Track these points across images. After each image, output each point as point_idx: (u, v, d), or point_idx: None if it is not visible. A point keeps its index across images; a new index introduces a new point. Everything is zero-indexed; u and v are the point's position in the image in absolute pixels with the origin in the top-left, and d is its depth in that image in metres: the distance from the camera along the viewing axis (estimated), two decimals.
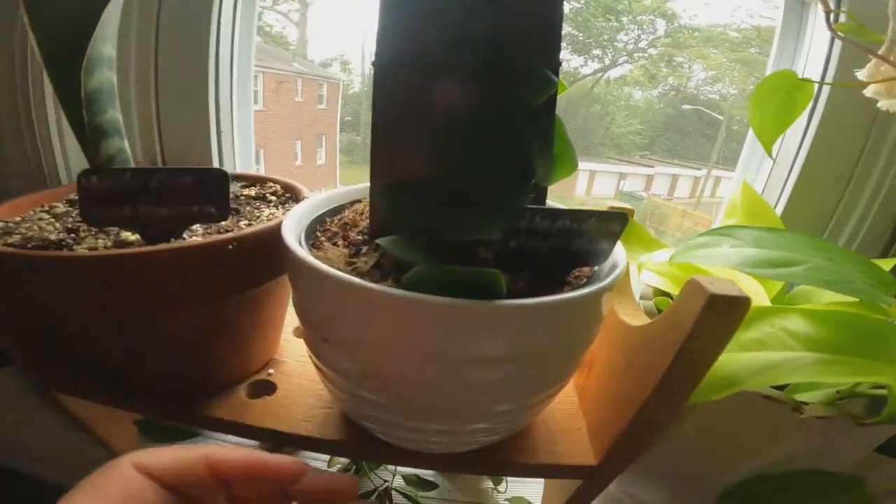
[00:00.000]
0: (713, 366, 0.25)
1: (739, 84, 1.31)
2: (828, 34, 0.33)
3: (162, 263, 0.25)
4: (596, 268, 0.27)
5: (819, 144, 0.41)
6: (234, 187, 0.40)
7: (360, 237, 0.29)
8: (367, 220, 0.30)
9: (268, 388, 0.36)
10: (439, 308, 0.20)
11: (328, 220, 0.31)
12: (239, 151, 0.49)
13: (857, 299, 0.27)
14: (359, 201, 0.33)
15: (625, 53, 1.34)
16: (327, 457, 0.48)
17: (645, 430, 0.28)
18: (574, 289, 0.24)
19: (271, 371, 0.37)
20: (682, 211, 1.48)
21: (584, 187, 1.77)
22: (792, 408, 0.27)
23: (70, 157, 0.40)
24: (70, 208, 0.34)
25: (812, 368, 0.24)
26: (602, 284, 0.23)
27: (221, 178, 0.28)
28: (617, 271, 0.25)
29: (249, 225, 0.32)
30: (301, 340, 0.42)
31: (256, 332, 0.35)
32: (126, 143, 0.29)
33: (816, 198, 0.43)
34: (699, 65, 1.41)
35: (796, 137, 0.43)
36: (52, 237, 0.28)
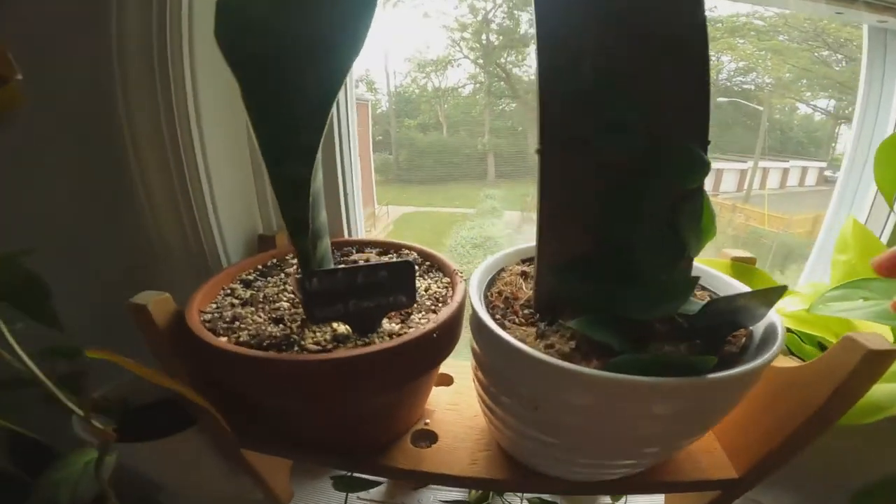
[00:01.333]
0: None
1: (774, 73, 1.31)
2: None
3: (383, 357, 0.30)
4: (751, 328, 0.31)
5: None
6: (371, 255, 0.45)
7: (526, 310, 0.33)
8: (522, 292, 0.35)
9: (429, 436, 0.40)
10: (653, 386, 0.24)
11: (488, 294, 0.35)
12: (357, 208, 0.54)
13: None
14: (503, 270, 0.38)
15: None
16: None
17: (792, 449, 0.33)
18: (734, 354, 0.29)
19: (427, 421, 0.41)
20: (732, 205, 1.47)
21: None
22: None
23: (226, 236, 0.45)
24: (250, 291, 0.39)
25: None
26: (768, 356, 0.26)
27: (409, 269, 0.32)
28: (779, 340, 0.28)
29: (417, 305, 0.36)
30: (442, 388, 0.46)
31: (425, 392, 0.40)
32: (329, 240, 0.34)
33: None
34: (727, 56, 1.41)
35: None
36: (276, 333, 0.32)
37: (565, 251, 0.31)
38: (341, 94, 0.49)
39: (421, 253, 0.44)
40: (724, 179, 1.65)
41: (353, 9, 0.23)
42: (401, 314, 0.35)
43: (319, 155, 0.27)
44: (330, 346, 0.31)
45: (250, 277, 0.41)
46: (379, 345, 0.30)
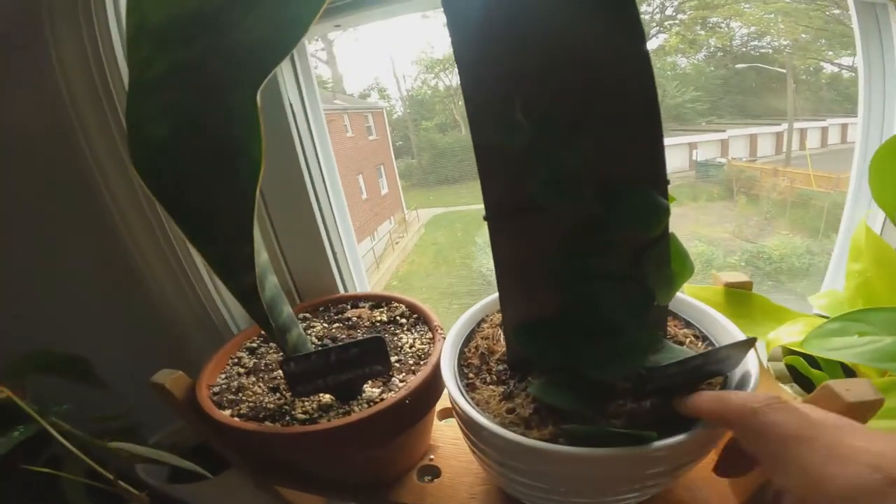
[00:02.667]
0: None
1: (789, 35, 1.21)
2: None
3: (360, 425, 0.32)
4: (728, 374, 0.30)
5: None
6: (364, 310, 0.47)
7: (500, 366, 0.34)
8: (500, 345, 0.35)
9: (433, 471, 0.43)
10: (605, 458, 0.25)
11: (465, 350, 0.36)
12: (351, 261, 0.56)
13: None
14: (483, 321, 0.38)
15: (654, 24, 1.28)
16: None
17: None
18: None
19: (432, 456, 0.44)
20: (773, 169, 1.36)
21: None
22: None
23: (231, 307, 0.49)
24: (254, 359, 0.43)
25: None
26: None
27: (379, 344, 0.34)
28: (750, 389, 0.27)
29: (401, 363, 0.38)
30: (447, 423, 0.48)
31: (423, 435, 0.42)
32: (301, 328, 0.37)
33: None
34: (737, 22, 1.31)
35: None
36: (270, 405, 0.36)
37: (528, 312, 0.31)
38: (314, 157, 0.51)
39: (409, 306, 0.46)
40: (759, 144, 1.51)
41: (241, 136, 0.25)
42: (383, 378, 0.37)
43: (265, 260, 0.29)
44: (316, 415, 0.34)
45: (254, 345, 0.45)
46: (356, 415, 0.33)
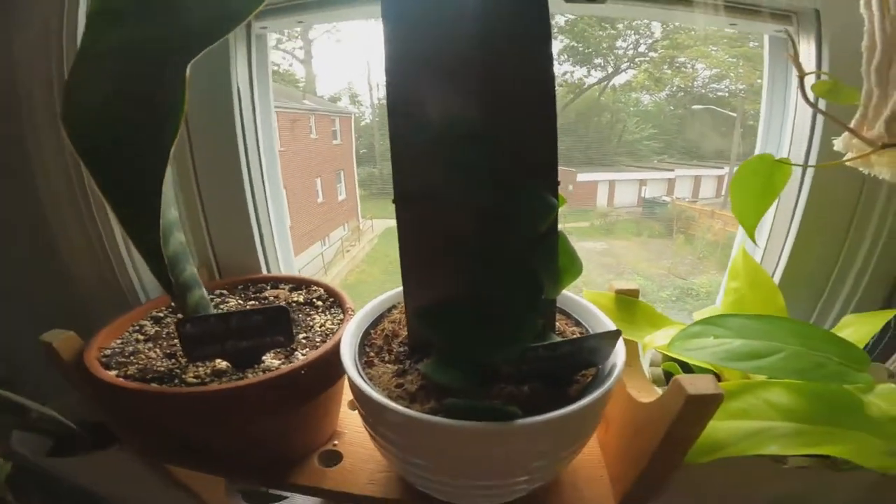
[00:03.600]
0: (706, 433, 0.31)
1: (746, 80, 1.34)
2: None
3: (252, 391, 0.33)
4: (599, 367, 0.33)
5: (814, 203, 0.45)
6: (283, 291, 0.48)
7: (402, 348, 0.36)
8: (405, 329, 0.37)
9: (335, 457, 0.43)
10: (475, 431, 0.27)
11: (372, 332, 0.38)
12: (279, 245, 0.57)
13: None
14: (395, 307, 0.40)
15: (626, 59, 1.39)
16: None
17: (649, 485, 0.34)
18: (579, 394, 0.30)
19: (336, 442, 0.44)
20: (710, 211, 1.49)
21: (605, 197, 1.80)
22: (775, 460, 0.32)
23: (143, 275, 0.49)
24: (157, 327, 0.43)
25: (785, 439, 0.29)
26: (594, 396, 0.29)
27: (283, 315, 0.35)
28: (608, 384, 0.30)
29: (308, 339, 0.39)
30: (356, 413, 0.49)
31: (324, 417, 0.43)
32: (204, 291, 0.37)
33: (815, 255, 0.47)
34: (702, 63, 1.45)
35: (791, 197, 0.47)
36: (161, 367, 0.36)
37: (427, 297, 0.33)
38: (252, 137, 0.53)
39: (328, 290, 0.47)
40: (702, 186, 1.67)
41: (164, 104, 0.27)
42: (286, 351, 0.38)
43: (174, 217, 0.30)
44: (208, 380, 0.34)
45: (161, 314, 0.45)
46: (246, 380, 0.33)
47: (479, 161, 0.29)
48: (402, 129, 0.30)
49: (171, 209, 0.34)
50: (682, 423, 0.29)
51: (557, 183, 0.31)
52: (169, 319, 0.44)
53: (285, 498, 0.52)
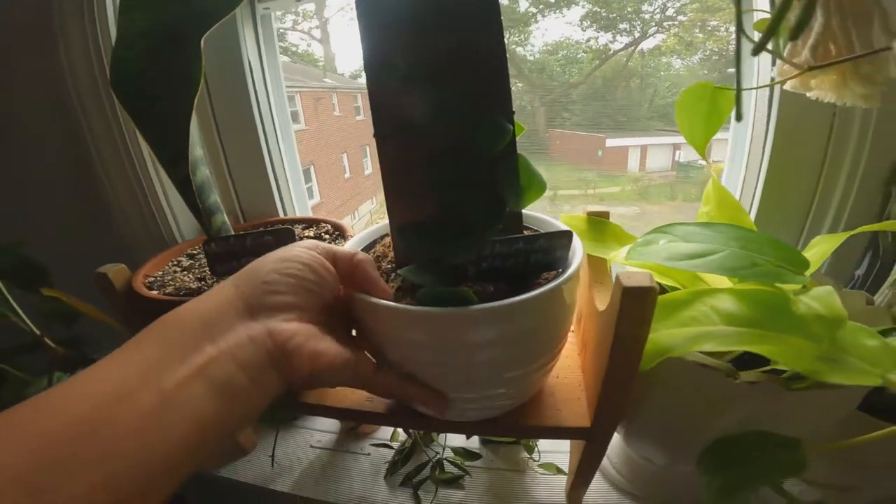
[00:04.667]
0: (653, 339, 0.35)
1: None
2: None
3: None
4: (560, 270, 0.37)
5: (783, 135, 0.47)
6: (297, 229, 0.56)
7: (389, 266, 0.42)
8: (393, 252, 0.44)
9: None
10: (436, 316, 0.32)
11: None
12: (294, 191, 0.65)
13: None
14: (386, 235, 0.47)
15: (653, 24, 1.36)
16: (390, 430, 0.64)
17: (614, 396, 0.38)
18: (532, 290, 0.33)
19: None
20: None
21: (637, 162, 1.78)
22: (726, 374, 0.36)
23: (179, 221, 0.58)
24: (192, 261, 0.52)
25: (721, 339, 0.33)
26: (546, 287, 0.33)
27: (290, 235, 0.43)
28: (567, 273, 0.35)
29: None
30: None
31: None
32: (225, 216, 0.46)
33: (792, 186, 0.49)
34: None
35: (762, 125, 0.49)
36: (193, 286, 0.44)
37: (408, 216, 0.39)
38: (264, 96, 0.61)
39: (334, 225, 0.55)
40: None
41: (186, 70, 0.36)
42: None
43: (204, 154, 0.38)
44: None
45: (195, 251, 0.54)
46: None
47: (445, 99, 0.34)
48: (377, 75, 0.35)
49: (196, 148, 0.42)
50: (625, 319, 0.32)
51: (512, 112, 0.36)
52: (201, 255, 0.53)
53: (294, 418, 0.61)
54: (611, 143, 1.78)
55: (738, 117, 0.29)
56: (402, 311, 0.33)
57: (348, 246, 0.42)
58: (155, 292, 0.44)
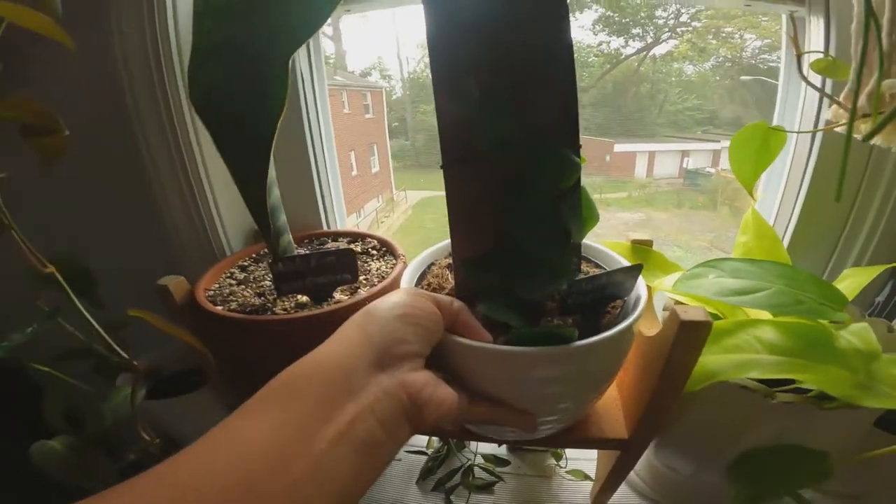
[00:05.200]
0: (701, 364, 0.38)
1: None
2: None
3: (329, 318, 0.43)
4: (625, 299, 0.39)
5: (821, 170, 0.51)
6: (342, 243, 0.58)
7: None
8: (448, 283, 0.43)
9: None
10: (537, 355, 0.33)
11: (419, 286, 0.43)
12: (336, 204, 0.68)
13: None
14: (433, 264, 0.46)
15: (666, 29, 1.39)
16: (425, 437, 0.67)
17: (656, 413, 0.41)
18: (612, 322, 0.36)
19: None
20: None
21: (644, 168, 1.82)
22: (764, 395, 0.40)
23: (229, 234, 0.61)
24: (245, 273, 0.54)
25: (765, 367, 0.37)
26: (628, 322, 0.35)
27: (349, 254, 0.46)
28: (639, 309, 0.37)
29: (367, 280, 0.50)
30: None
31: None
32: (290, 236, 0.48)
33: (824, 219, 0.54)
34: (752, 34, 1.42)
35: (801, 164, 0.53)
36: (256, 302, 0.47)
37: (473, 248, 0.38)
38: (314, 112, 0.63)
39: (380, 241, 0.57)
40: None
41: (271, 89, 0.36)
42: (350, 288, 0.49)
43: (275, 175, 0.40)
44: (293, 312, 0.45)
45: (246, 263, 0.56)
46: (326, 308, 0.44)
47: (513, 128, 0.35)
48: (445, 102, 0.35)
49: (271, 169, 0.44)
50: (679, 348, 0.35)
51: (580, 146, 0.37)
52: (252, 267, 0.56)
53: None
54: (619, 148, 1.81)
55: (838, 197, 0.33)
56: (509, 353, 0.34)
57: (406, 279, 0.43)
58: (220, 308, 0.47)
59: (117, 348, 0.47)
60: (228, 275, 0.54)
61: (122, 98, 0.53)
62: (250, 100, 0.37)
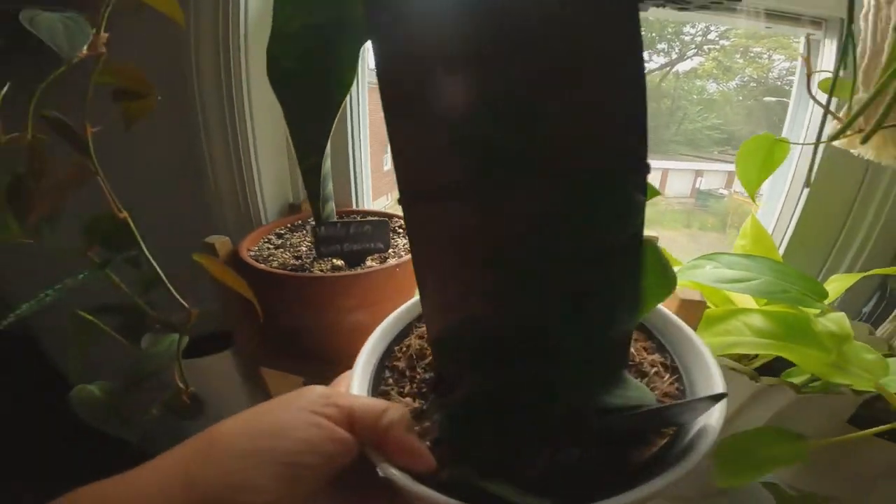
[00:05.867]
0: None
1: None
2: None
3: (362, 279, 0.50)
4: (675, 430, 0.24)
5: (821, 181, 0.57)
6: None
7: (428, 374, 0.30)
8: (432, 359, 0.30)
9: None
10: None
11: (395, 349, 0.32)
12: (365, 184, 0.75)
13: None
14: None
15: (693, 46, 1.44)
16: None
17: None
18: (645, 468, 0.22)
19: None
20: None
21: (656, 185, 1.88)
22: (750, 377, 0.46)
23: (267, 204, 0.67)
24: (281, 240, 0.61)
25: (751, 346, 0.43)
26: (667, 479, 0.21)
27: (385, 225, 0.52)
28: (697, 453, 0.22)
29: (394, 253, 0.56)
30: None
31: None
32: (333, 205, 0.55)
33: (821, 227, 0.60)
34: (781, 54, 1.46)
35: (803, 172, 0.59)
36: (296, 263, 0.54)
37: (454, 320, 0.25)
38: (355, 100, 0.70)
39: None
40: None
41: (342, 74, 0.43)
42: (380, 257, 0.55)
43: (329, 149, 0.47)
44: (328, 273, 0.52)
45: (282, 231, 0.63)
46: (357, 272, 0.50)
47: (520, 143, 0.19)
48: (405, 101, 0.20)
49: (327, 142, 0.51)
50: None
51: (648, 170, 0.19)
52: (287, 235, 0.62)
53: None
54: None
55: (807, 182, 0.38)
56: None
57: (367, 346, 0.32)
58: (262, 265, 0.53)
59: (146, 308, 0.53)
60: (266, 240, 0.61)
61: (189, 78, 0.61)
62: (322, 82, 0.44)
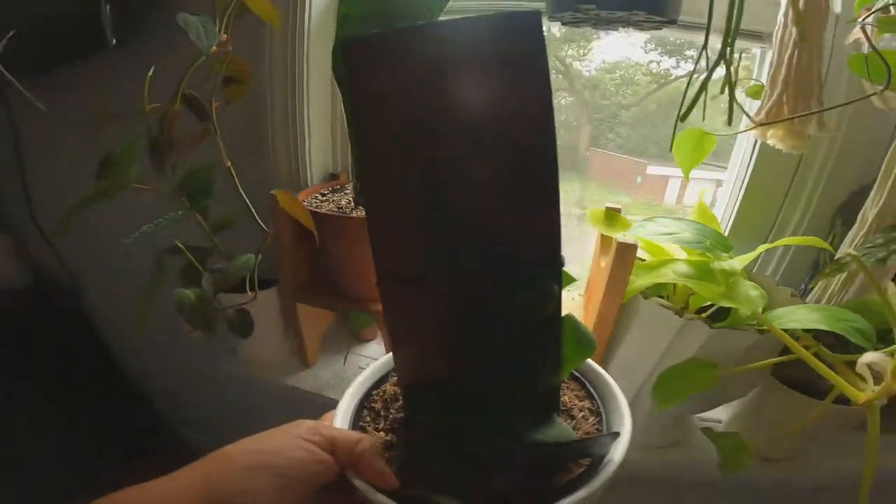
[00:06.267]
0: (633, 285, 0.60)
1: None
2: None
3: None
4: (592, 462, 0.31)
5: (759, 168, 0.71)
6: None
7: (400, 414, 0.37)
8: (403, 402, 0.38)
9: None
10: None
11: (374, 393, 0.40)
12: None
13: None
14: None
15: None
16: None
17: (602, 321, 0.63)
18: (570, 485, 0.29)
19: None
20: None
21: (675, 194, 1.97)
22: (675, 312, 0.61)
23: (313, 170, 0.87)
24: (324, 198, 0.80)
25: (671, 279, 0.58)
26: (586, 491, 0.28)
27: None
28: (604, 474, 0.29)
29: None
30: None
31: None
32: None
33: (760, 208, 0.74)
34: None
35: (745, 159, 0.73)
36: (338, 211, 0.72)
37: (419, 373, 0.34)
38: None
39: None
40: None
41: None
42: None
43: None
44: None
45: (324, 192, 0.81)
46: None
47: (466, 241, 0.28)
48: (382, 203, 0.29)
49: None
50: (616, 265, 0.58)
51: (562, 265, 0.29)
52: (329, 195, 0.81)
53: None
54: (652, 170, 1.95)
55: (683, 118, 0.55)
56: None
57: (353, 388, 0.39)
58: (314, 209, 0.71)
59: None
60: (314, 196, 0.80)
61: (262, 66, 0.80)
62: None
